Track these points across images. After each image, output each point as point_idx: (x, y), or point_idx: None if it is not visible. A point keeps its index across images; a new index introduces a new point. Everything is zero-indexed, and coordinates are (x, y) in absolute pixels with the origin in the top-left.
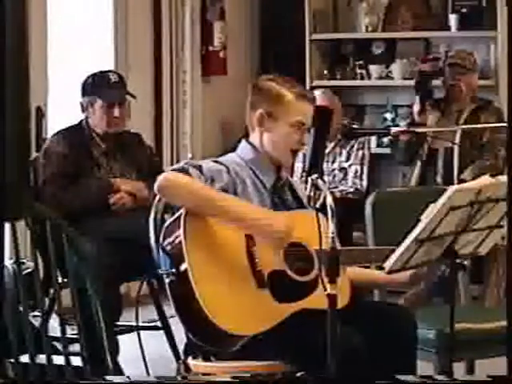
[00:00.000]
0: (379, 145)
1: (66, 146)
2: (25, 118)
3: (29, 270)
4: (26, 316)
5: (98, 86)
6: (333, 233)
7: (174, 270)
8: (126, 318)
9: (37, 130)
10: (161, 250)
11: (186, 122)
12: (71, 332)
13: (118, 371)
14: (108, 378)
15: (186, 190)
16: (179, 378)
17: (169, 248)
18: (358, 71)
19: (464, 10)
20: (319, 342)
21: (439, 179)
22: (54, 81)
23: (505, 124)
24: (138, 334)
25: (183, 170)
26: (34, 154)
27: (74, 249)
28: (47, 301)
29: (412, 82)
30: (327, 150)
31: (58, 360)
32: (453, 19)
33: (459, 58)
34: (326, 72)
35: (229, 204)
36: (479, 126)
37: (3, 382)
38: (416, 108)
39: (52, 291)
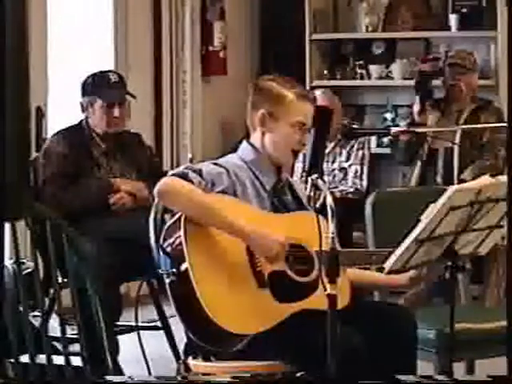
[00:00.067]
0: (379, 145)
1: (66, 146)
2: (25, 118)
3: (29, 270)
4: (26, 316)
5: (97, 85)
6: (333, 233)
7: (174, 270)
8: (126, 318)
9: (37, 130)
10: (161, 251)
11: (186, 122)
12: (71, 332)
13: (118, 371)
14: (108, 377)
15: (186, 197)
16: (179, 378)
17: (169, 249)
18: (358, 71)
19: (464, 10)
20: (319, 342)
21: (439, 179)
22: (54, 81)
23: (505, 124)
24: (138, 334)
25: (183, 175)
26: (34, 154)
27: (74, 249)
28: (47, 301)
29: (412, 82)
30: (327, 150)
31: (58, 360)
32: (453, 19)
33: (459, 57)
34: (325, 72)
35: (226, 215)
36: (479, 126)
37: (3, 382)
38: (416, 108)
39: (52, 291)
